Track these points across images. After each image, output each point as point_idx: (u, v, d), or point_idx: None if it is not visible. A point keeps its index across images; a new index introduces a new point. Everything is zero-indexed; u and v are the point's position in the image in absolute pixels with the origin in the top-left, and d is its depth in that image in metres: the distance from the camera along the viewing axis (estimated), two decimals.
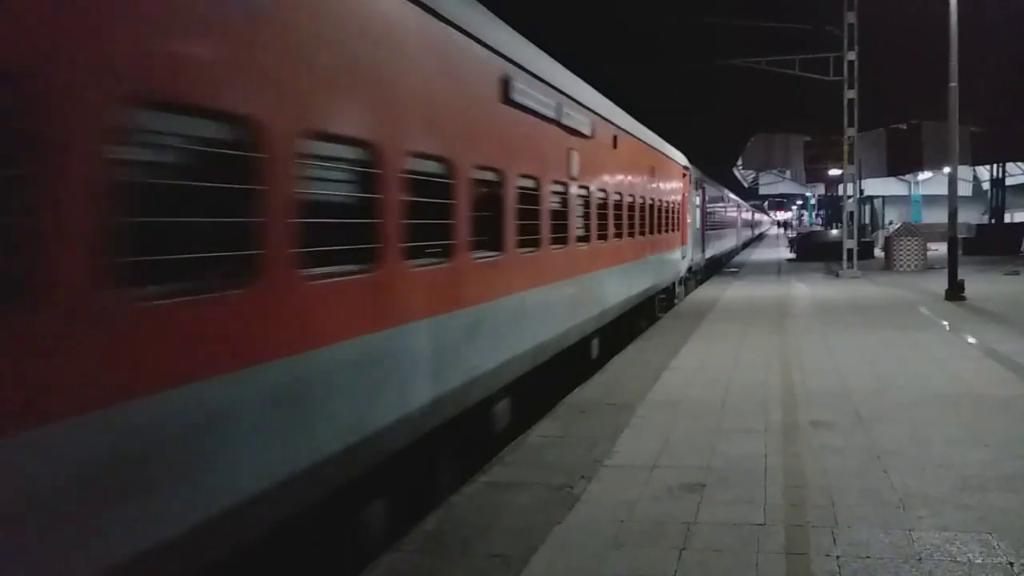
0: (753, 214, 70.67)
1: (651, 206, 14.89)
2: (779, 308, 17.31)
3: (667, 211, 16.96)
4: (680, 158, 19.57)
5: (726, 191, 39.70)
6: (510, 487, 5.88)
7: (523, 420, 7.81)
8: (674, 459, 6.46)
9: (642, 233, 13.91)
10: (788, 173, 52.77)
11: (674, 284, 19.16)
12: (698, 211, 24.05)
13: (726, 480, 5.88)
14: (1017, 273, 23.98)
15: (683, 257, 20.11)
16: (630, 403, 8.47)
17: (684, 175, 20.11)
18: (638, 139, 13.83)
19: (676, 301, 19.14)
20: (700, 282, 25.03)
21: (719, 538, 4.82)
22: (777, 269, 31.56)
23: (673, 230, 18.12)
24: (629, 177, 12.83)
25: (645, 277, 14.48)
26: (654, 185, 15.29)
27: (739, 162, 57.82)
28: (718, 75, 30.30)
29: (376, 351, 4.55)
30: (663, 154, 16.74)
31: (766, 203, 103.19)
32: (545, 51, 8.71)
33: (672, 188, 18.04)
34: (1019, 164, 44.68)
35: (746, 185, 71.12)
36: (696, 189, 23.34)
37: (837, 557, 4.48)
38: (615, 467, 6.31)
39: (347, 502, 4.69)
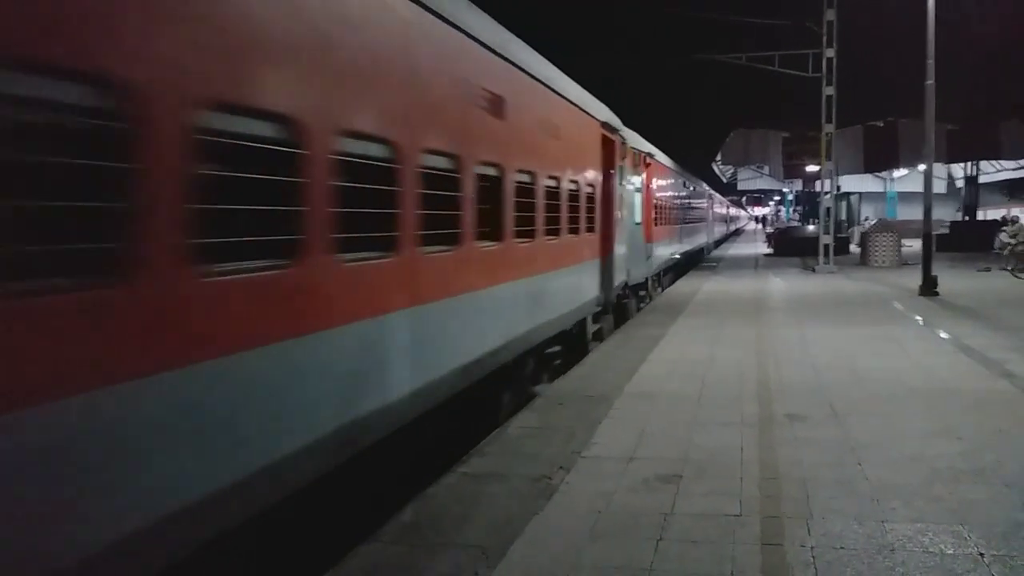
0: (728, 208, 69.21)
1: (520, 187, 7.97)
2: (756, 302, 17.44)
3: (566, 199, 9.88)
4: (599, 110, 12.20)
5: (692, 178, 31.19)
6: (488, 478, 5.88)
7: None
8: (651, 451, 6.49)
9: (491, 235, 7.17)
10: (766, 169, 52.98)
11: (586, 320, 11.74)
12: (638, 199, 16.16)
13: (702, 472, 5.92)
14: (989, 270, 24.33)
15: (608, 272, 12.92)
16: (608, 395, 8.50)
17: (609, 142, 12.87)
18: (464, 35, 6.46)
19: (591, 347, 11.92)
20: (643, 300, 17.83)
21: (696, 529, 4.85)
22: (754, 264, 31.78)
23: (581, 230, 10.81)
24: (442, 115, 6.10)
25: (497, 328, 7.47)
26: (528, 147, 8.42)
27: (718, 157, 58.08)
28: (698, 71, 30.46)
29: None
30: (550, 90, 9.34)
31: (744, 198, 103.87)
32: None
33: (581, 159, 10.98)
34: (992, 162, 45.29)
35: (724, 180, 71.46)
36: (636, 167, 15.78)
37: (812, 548, 4.52)
38: (593, 458, 6.32)
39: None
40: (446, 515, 5.17)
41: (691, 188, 30.87)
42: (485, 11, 7.08)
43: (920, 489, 5.44)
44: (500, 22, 7.57)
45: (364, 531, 4.96)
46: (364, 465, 5.04)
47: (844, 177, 42.15)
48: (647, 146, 17.92)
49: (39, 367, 2.70)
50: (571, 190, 10.26)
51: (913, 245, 28.87)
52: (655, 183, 19.41)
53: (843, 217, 47.30)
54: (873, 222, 41.92)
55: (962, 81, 26.48)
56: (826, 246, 26.68)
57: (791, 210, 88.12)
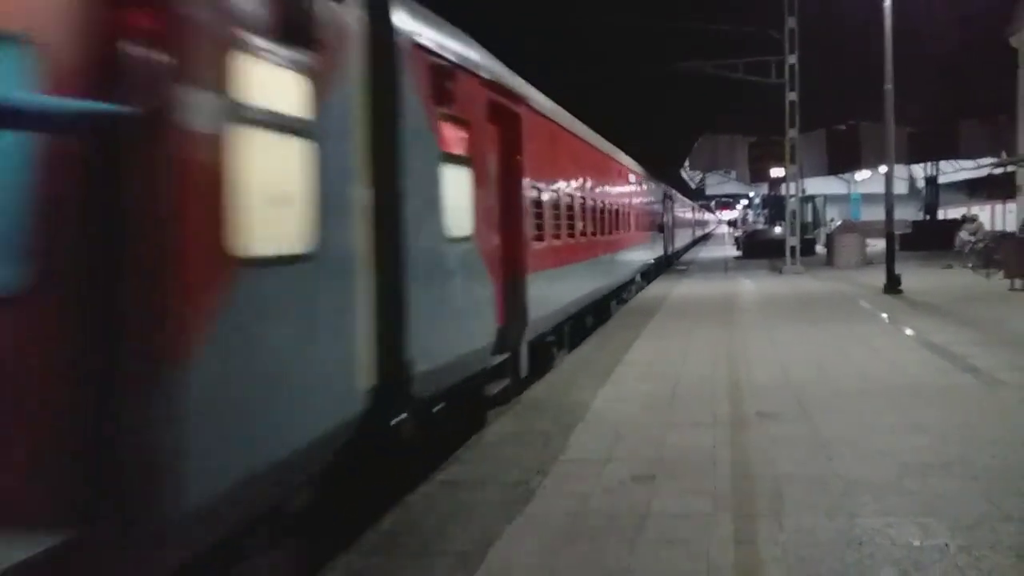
0: (701, 213, 65.87)
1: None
2: (726, 304, 17.65)
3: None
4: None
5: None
6: (466, 485, 5.90)
7: None
8: (626, 452, 6.55)
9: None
10: (733, 174, 53.70)
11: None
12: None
13: (677, 472, 5.99)
14: (951, 267, 24.85)
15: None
16: (583, 399, 8.56)
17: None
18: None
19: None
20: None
21: (670, 529, 4.91)
22: (724, 267, 32.14)
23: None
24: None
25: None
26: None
27: (686, 164, 58.70)
28: (664, 79, 30.72)
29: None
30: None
31: (713, 203, 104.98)
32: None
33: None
34: (952, 162, 46.28)
35: (693, 186, 72.23)
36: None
37: (783, 543, 4.60)
38: (569, 462, 6.37)
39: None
40: (424, 523, 5.19)
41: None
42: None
43: (889, 483, 5.55)
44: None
45: (342, 541, 4.95)
46: (348, 473, 5.04)
47: (809, 180, 42.84)
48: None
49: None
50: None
51: (877, 245, 29.42)
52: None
53: (809, 219, 48.01)
54: (838, 223, 42.58)
55: (920, 84, 27.08)
56: (792, 248, 27.07)
57: (757, 213, 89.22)
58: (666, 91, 34.13)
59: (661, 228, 28.45)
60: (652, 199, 25.96)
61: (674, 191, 37.85)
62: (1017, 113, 29.59)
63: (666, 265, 30.49)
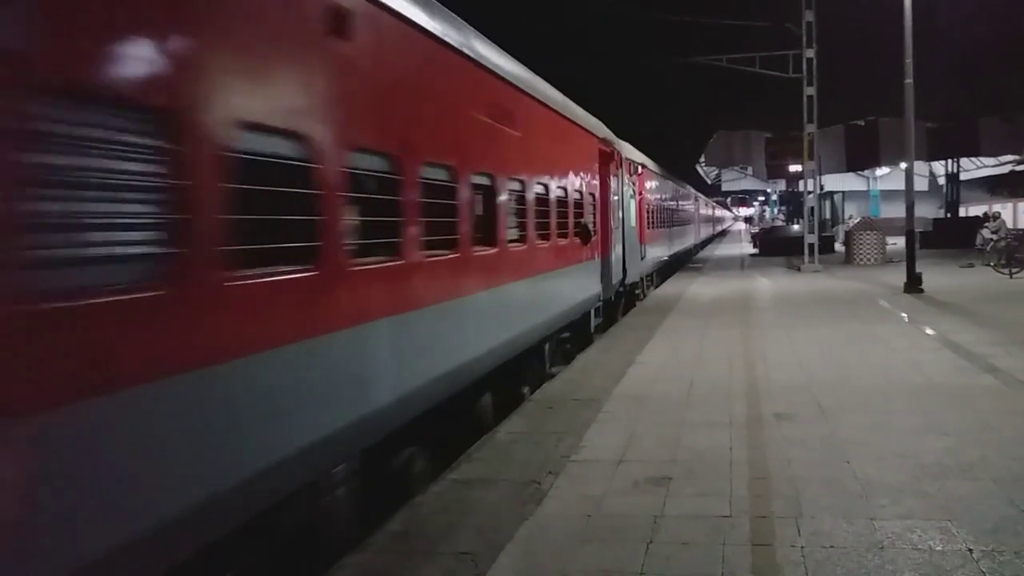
0: (713, 208, 60.23)
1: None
2: (742, 303, 17.49)
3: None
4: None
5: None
6: (478, 484, 5.84)
7: None
8: (640, 453, 6.47)
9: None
10: (750, 170, 53.36)
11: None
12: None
13: (692, 473, 5.91)
14: (972, 266, 24.52)
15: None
16: (597, 398, 8.49)
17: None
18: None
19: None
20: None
21: (685, 531, 4.83)
22: (740, 264, 31.91)
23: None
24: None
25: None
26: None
27: (702, 159, 58.40)
28: (680, 73, 30.55)
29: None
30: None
31: (728, 199, 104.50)
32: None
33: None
34: (973, 159, 45.70)
35: (708, 182, 71.88)
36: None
37: (802, 548, 4.51)
38: (582, 462, 6.30)
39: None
40: (435, 522, 5.14)
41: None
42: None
43: (908, 486, 5.45)
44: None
45: (352, 541, 4.91)
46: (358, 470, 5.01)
47: (827, 176, 42.51)
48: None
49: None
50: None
51: (897, 243, 29.08)
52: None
53: (827, 216, 47.60)
54: (857, 220, 42.18)
55: (941, 80, 26.74)
56: (811, 245, 26.82)
57: (776, 210, 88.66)
58: (681, 86, 33.93)
59: (586, 234, 12.08)
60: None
61: (652, 164, 22.43)
62: None
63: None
